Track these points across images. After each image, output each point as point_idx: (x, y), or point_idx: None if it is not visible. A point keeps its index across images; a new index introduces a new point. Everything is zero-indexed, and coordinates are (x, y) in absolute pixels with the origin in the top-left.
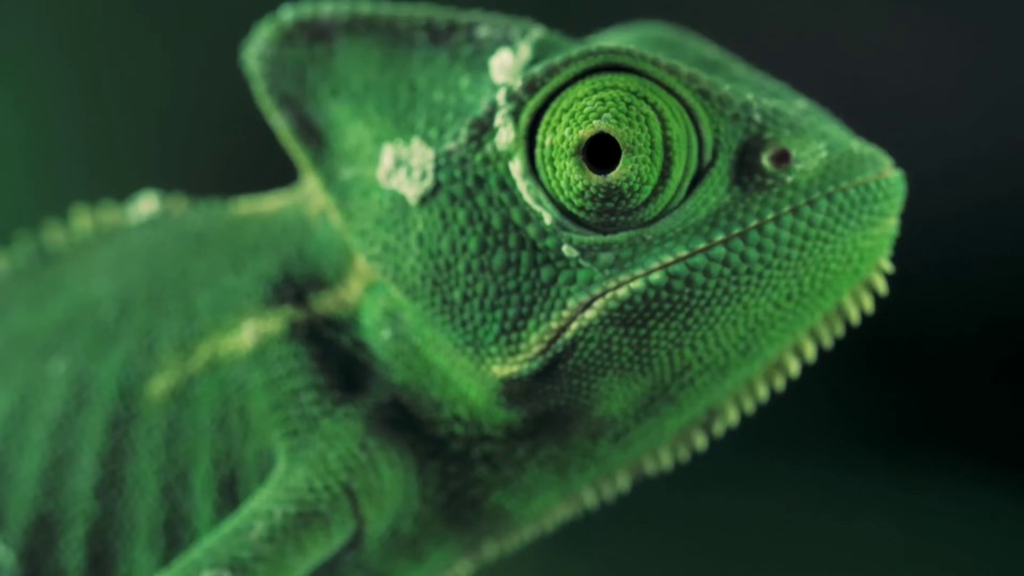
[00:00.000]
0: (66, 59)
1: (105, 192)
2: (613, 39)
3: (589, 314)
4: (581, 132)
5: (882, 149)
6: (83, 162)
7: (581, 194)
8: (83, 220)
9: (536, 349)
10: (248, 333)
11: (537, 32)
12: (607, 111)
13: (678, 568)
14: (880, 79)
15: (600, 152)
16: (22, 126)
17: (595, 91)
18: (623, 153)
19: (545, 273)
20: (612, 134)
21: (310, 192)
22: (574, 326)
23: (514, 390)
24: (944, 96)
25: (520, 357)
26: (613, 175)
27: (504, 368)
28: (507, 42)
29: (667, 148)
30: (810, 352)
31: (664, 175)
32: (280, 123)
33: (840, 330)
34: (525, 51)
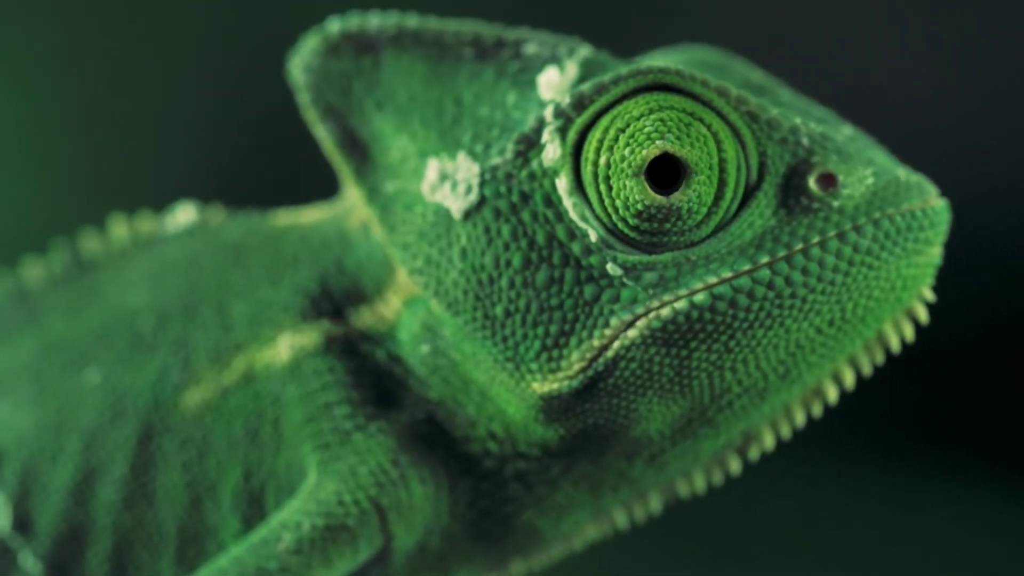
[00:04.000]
0: (81, 70)
1: (124, 204)
2: (660, 60)
3: (631, 333)
4: (645, 152)
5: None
6: (100, 175)
7: (639, 214)
8: (120, 229)
9: (577, 367)
10: (284, 346)
11: (584, 51)
12: (669, 131)
13: (677, 567)
14: (875, 76)
15: (657, 173)
16: (41, 135)
17: (651, 111)
18: (689, 174)
19: (588, 291)
20: (677, 154)
21: (351, 205)
22: (616, 345)
23: (553, 407)
24: (940, 92)
25: (561, 374)
26: (676, 196)
27: (544, 385)
28: (554, 60)
29: (722, 170)
30: (849, 379)
31: (718, 196)
32: (324, 135)
33: (880, 358)
34: (572, 69)
